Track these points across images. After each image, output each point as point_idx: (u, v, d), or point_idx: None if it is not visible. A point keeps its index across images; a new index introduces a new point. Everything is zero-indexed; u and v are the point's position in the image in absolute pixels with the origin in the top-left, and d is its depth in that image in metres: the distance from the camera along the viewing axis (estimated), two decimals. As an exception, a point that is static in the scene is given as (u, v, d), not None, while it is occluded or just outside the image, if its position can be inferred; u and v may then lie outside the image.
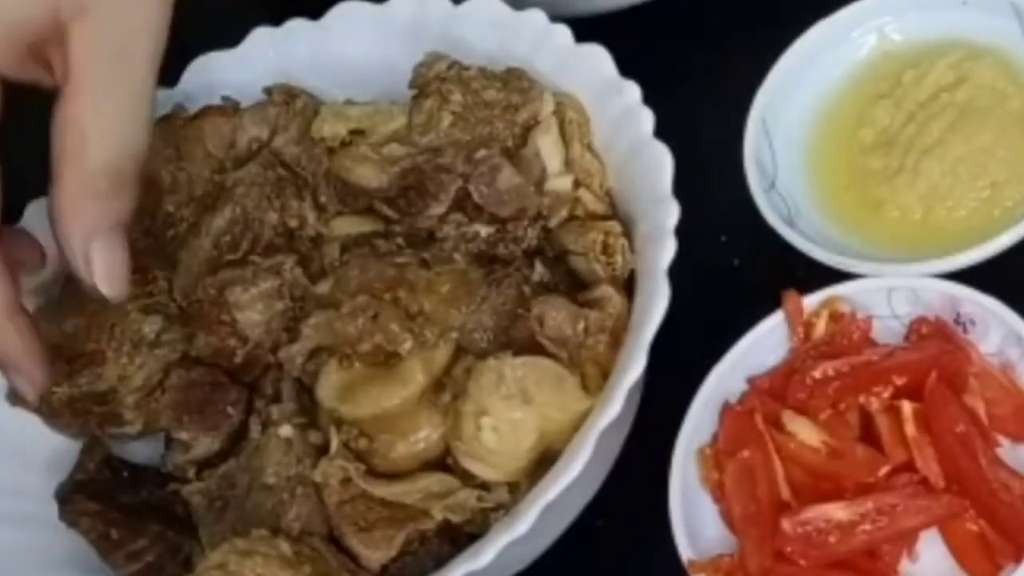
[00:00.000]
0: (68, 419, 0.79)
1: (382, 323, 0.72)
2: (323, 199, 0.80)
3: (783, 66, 0.82)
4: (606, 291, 0.72)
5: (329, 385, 0.73)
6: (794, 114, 0.82)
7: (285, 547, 0.70)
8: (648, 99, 0.75)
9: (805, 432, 0.70)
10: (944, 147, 0.77)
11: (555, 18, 0.80)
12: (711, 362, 0.74)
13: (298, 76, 0.84)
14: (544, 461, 0.69)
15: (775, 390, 0.73)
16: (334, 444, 0.72)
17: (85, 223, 0.64)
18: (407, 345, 0.72)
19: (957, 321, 0.72)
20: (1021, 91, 0.78)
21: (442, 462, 0.72)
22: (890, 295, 0.74)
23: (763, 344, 0.75)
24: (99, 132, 0.63)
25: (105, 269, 0.64)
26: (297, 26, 0.86)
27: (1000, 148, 0.77)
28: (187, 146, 0.82)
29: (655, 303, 0.68)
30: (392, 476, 0.72)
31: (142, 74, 0.65)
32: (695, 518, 0.71)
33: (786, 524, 0.67)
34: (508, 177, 0.75)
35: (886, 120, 0.80)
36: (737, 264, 0.82)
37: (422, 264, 0.74)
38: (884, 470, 0.68)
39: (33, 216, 0.84)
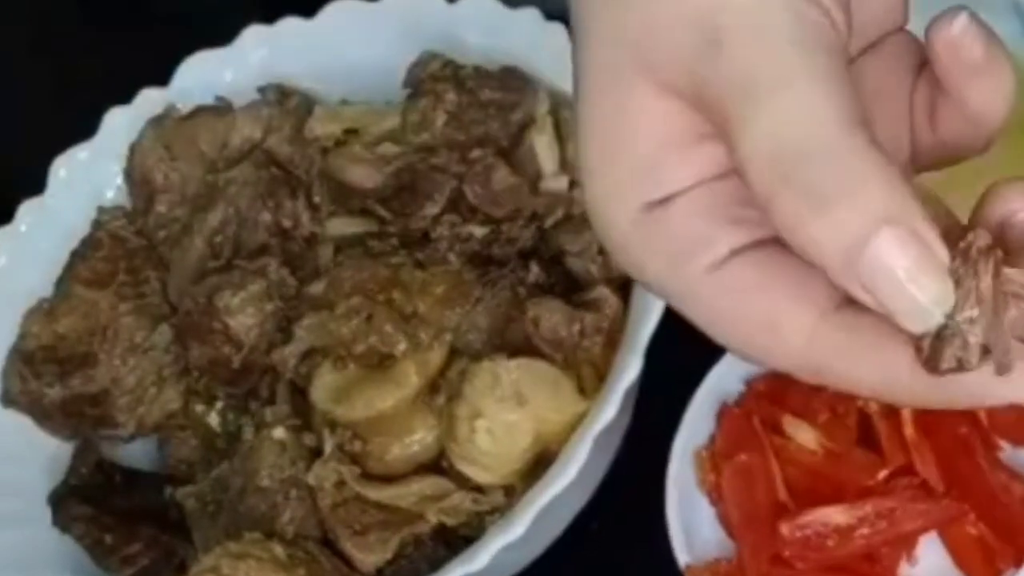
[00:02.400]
0: (60, 421, 0.79)
1: (376, 324, 0.72)
2: (317, 199, 0.79)
3: (781, 64, 0.82)
4: (602, 292, 0.72)
5: (323, 387, 0.73)
6: (792, 113, 0.82)
7: (279, 550, 0.70)
8: (645, 98, 0.74)
9: (803, 435, 0.70)
10: (944, 147, 0.77)
11: (550, 16, 0.79)
12: (708, 364, 0.74)
13: (291, 75, 0.84)
14: (540, 464, 0.69)
15: (773, 392, 0.73)
16: (328, 447, 0.71)
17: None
18: (401, 347, 0.71)
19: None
20: (1022, 92, 0.78)
21: (437, 465, 0.71)
22: (889, 296, 0.73)
23: (761, 345, 0.74)
24: None
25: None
26: (290, 25, 0.86)
27: (1000, 149, 0.76)
28: (180, 145, 0.82)
29: (651, 304, 0.68)
30: (386, 479, 0.71)
31: None
32: (692, 521, 0.71)
33: (784, 528, 0.67)
34: (503, 177, 0.75)
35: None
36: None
37: (416, 265, 0.74)
38: (883, 473, 0.68)
39: (27, 215, 0.84)
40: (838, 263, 0.37)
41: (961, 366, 0.37)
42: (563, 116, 0.77)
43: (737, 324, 0.41)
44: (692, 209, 0.41)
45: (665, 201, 0.41)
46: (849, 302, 0.39)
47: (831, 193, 0.37)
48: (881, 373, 0.39)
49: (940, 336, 0.37)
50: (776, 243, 0.41)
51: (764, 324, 0.41)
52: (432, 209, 0.76)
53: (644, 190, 0.41)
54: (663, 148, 0.41)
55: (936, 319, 0.37)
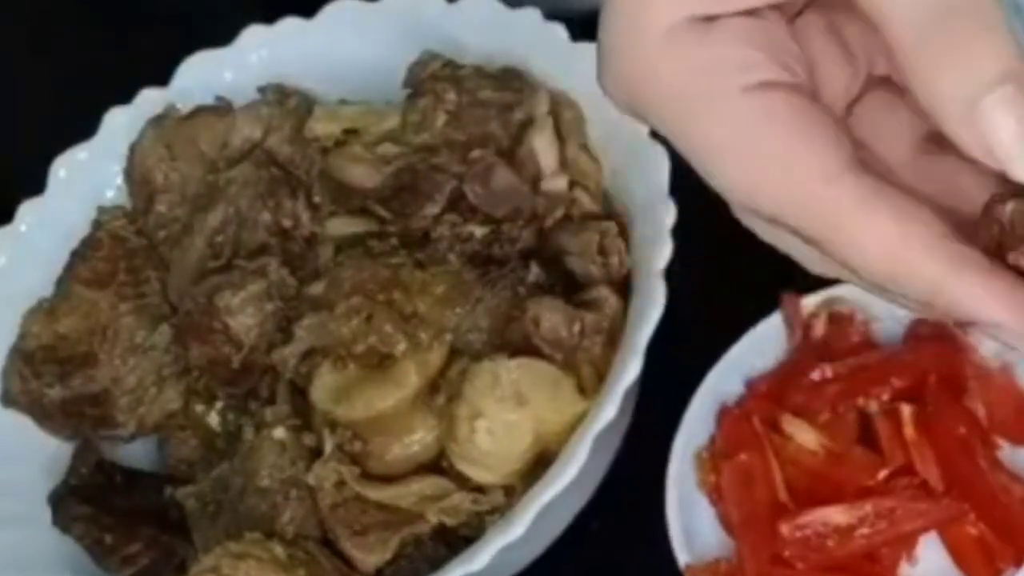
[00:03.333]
0: (61, 421, 0.79)
1: (376, 324, 0.72)
2: (317, 199, 0.79)
3: (781, 64, 0.82)
4: (602, 292, 0.72)
5: (323, 387, 0.73)
6: (792, 113, 0.82)
7: (279, 550, 0.69)
8: (645, 98, 0.74)
9: (803, 435, 0.70)
10: (943, 146, 0.77)
11: (551, 16, 0.79)
12: (708, 364, 0.74)
13: (291, 75, 0.84)
14: (540, 464, 0.69)
15: (773, 392, 0.72)
16: (328, 447, 0.71)
17: None
18: (401, 347, 0.71)
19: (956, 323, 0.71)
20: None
21: (437, 465, 0.71)
22: (889, 296, 0.73)
23: (761, 346, 0.74)
24: None
25: None
26: (290, 25, 0.86)
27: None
28: (180, 145, 0.82)
29: (651, 304, 0.68)
30: (386, 479, 0.71)
31: None
32: (692, 522, 0.71)
33: (784, 528, 0.67)
34: (503, 177, 0.75)
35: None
36: (736, 264, 0.81)
37: (416, 265, 0.74)
38: (883, 473, 0.68)
39: (27, 215, 0.83)
40: (960, 111, 0.39)
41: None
42: (563, 116, 0.77)
43: (754, 149, 0.41)
44: (739, 32, 0.42)
45: (712, 19, 0.41)
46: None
47: (966, 47, 0.39)
48: (887, 243, 0.40)
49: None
50: (810, 96, 0.41)
51: (782, 158, 0.41)
52: (432, 209, 0.76)
53: (692, 3, 0.42)
54: None
55: None
